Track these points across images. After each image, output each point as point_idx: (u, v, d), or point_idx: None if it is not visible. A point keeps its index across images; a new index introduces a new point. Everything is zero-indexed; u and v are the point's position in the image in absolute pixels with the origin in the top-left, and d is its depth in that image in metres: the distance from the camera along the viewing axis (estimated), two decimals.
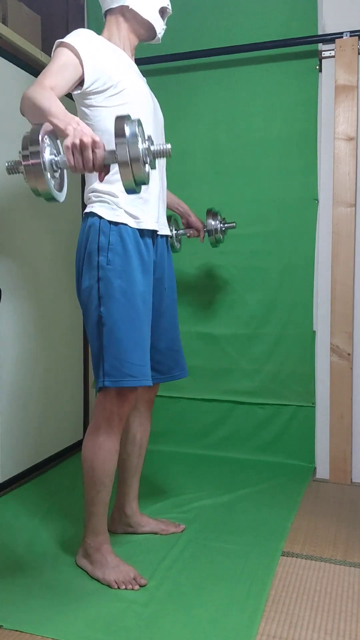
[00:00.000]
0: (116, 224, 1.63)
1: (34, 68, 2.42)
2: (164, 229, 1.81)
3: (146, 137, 1.25)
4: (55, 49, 1.60)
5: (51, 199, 1.26)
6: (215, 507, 2.19)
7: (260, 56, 2.59)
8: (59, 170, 1.28)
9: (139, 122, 1.24)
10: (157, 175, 1.74)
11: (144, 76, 1.80)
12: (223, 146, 2.68)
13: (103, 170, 1.30)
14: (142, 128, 1.26)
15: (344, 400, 2.46)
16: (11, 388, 2.33)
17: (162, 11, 1.75)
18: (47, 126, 1.27)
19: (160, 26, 1.75)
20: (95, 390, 1.70)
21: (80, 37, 1.60)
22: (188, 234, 2.20)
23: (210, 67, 2.67)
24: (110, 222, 1.63)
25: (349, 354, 2.45)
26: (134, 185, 1.23)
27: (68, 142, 1.28)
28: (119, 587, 1.62)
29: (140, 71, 1.79)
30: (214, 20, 2.65)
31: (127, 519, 1.96)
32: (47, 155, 1.23)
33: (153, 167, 1.27)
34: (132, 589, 1.62)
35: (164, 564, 1.76)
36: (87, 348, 2.94)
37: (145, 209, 1.68)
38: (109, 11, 1.75)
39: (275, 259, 2.63)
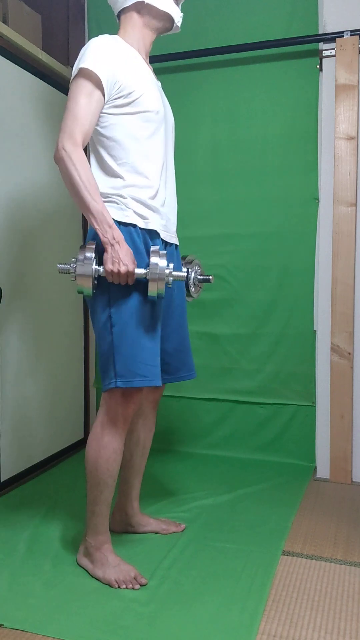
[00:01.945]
0: (125, 224, 1.63)
1: (35, 67, 2.42)
2: (173, 239, 1.81)
3: (170, 265, 1.58)
4: (76, 77, 1.57)
5: (89, 296, 1.61)
6: (215, 506, 2.19)
7: (261, 55, 2.59)
8: (98, 275, 1.61)
9: (166, 255, 1.60)
10: (164, 185, 1.74)
11: None
12: (223, 145, 2.68)
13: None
14: (167, 259, 1.61)
15: (344, 399, 2.46)
16: (13, 387, 2.33)
17: None
18: (96, 246, 1.59)
19: (177, 14, 1.74)
20: (100, 390, 1.70)
21: (100, 58, 1.57)
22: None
23: (211, 67, 2.67)
24: (120, 223, 1.63)
25: (349, 354, 2.45)
26: (156, 297, 1.58)
27: (108, 268, 1.55)
28: (119, 587, 1.63)
29: None
30: (215, 19, 2.65)
31: (128, 519, 1.96)
32: (94, 266, 1.57)
33: (170, 285, 1.61)
34: (133, 588, 1.62)
35: (164, 563, 1.76)
36: (88, 348, 2.94)
37: (153, 214, 1.69)
38: (123, 11, 1.72)
39: (276, 258, 2.63)
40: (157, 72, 2.65)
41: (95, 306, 1.67)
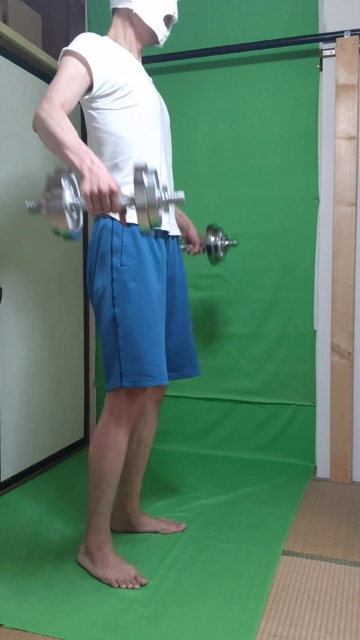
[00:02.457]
0: (129, 224, 1.63)
1: (35, 67, 2.43)
2: (175, 230, 1.82)
3: (161, 186, 1.31)
4: (62, 57, 1.58)
5: (69, 237, 1.31)
6: (216, 506, 2.19)
7: (261, 55, 2.59)
8: (78, 211, 1.33)
9: (156, 173, 1.29)
10: (166, 178, 1.75)
11: None
12: (223, 145, 2.68)
13: (122, 213, 1.34)
14: (158, 177, 1.31)
15: (344, 399, 2.46)
16: (13, 387, 2.33)
17: (168, 18, 1.75)
18: (67, 170, 1.32)
19: (162, 33, 1.75)
20: (100, 389, 1.70)
21: (86, 43, 1.59)
22: (187, 250, 2.09)
23: (211, 66, 2.67)
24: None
25: (349, 353, 2.45)
26: (149, 229, 1.30)
27: (86, 189, 1.31)
28: (119, 586, 1.63)
29: None
30: (215, 19, 2.65)
31: (128, 518, 1.96)
32: (68, 198, 1.27)
33: (167, 211, 1.33)
34: (133, 588, 1.62)
35: (164, 563, 1.76)
36: (88, 348, 2.94)
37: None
38: (116, 11, 1.74)
39: (276, 258, 2.63)
40: (157, 72, 2.66)
41: (100, 306, 1.67)
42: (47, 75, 2.51)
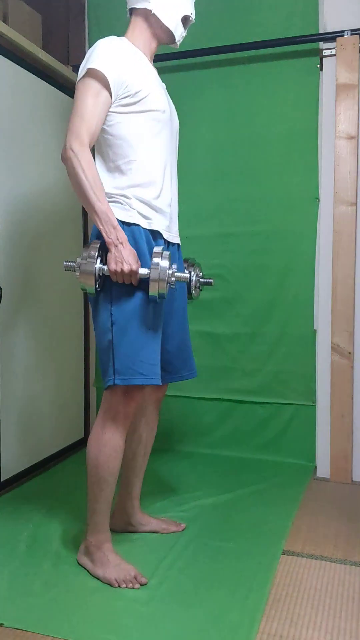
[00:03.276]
0: (129, 224, 1.65)
1: (35, 67, 2.42)
2: (176, 239, 1.83)
3: (173, 266, 1.62)
4: (84, 77, 1.58)
5: (92, 294, 1.64)
6: (216, 506, 2.19)
7: (261, 55, 2.58)
8: (104, 274, 1.63)
9: (170, 256, 1.61)
10: (169, 184, 1.75)
11: None
12: (224, 145, 2.67)
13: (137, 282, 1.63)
14: (170, 260, 1.63)
15: (344, 399, 2.46)
16: (13, 387, 2.33)
17: (185, 19, 1.76)
18: (100, 245, 1.62)
19: (180, 34, 1.77)
20: (100, 389, 1.71)
21: (106, 57, 1.59)
22: None
23: (211, 66, 2.67)
24: (123, 223, 1.64)
25: (349, 353, 2.45)
26: (157, 297, 1.60)
27: (112, 267, 1.57)
28: (119, 586, 1.63)
29: None
30: (215, 18, 2.65)
31: (128, 518, 1.96)
32: (98, 264, 1.60)
33: (173, 286, 1.62)
34: (133, 588, 1.62)
35: (164, 562, 1.76)
36: (88, 347, 2.94)
37: (157, 215, 1.70)
38: (134, 11, 1.75)
39: (276, 257, 2.63)
40: (157, 72, 2.65)
41: (97, 304, 1.67)
42: (47, 75, 2.51)
